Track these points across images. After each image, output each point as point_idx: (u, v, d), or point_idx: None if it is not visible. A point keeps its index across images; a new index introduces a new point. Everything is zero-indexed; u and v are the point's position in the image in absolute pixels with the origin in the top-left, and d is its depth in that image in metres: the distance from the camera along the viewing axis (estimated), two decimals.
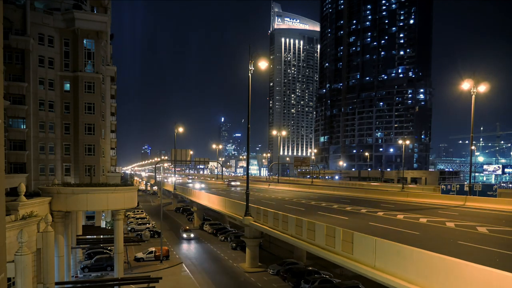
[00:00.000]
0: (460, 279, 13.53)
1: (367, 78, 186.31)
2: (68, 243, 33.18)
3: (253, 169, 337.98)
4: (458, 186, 49.64)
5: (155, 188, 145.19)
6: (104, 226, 53.86)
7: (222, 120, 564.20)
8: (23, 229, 19.75)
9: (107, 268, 37.60)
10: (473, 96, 41.87)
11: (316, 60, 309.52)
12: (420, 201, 45.70)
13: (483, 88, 41.55)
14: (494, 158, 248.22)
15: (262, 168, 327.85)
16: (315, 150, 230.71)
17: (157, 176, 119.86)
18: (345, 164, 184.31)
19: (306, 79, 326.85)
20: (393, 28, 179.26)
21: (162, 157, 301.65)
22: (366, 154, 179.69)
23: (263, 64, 33.67)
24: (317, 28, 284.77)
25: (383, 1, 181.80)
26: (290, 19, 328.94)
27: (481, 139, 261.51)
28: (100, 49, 46.99)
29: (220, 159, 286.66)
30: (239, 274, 39.49)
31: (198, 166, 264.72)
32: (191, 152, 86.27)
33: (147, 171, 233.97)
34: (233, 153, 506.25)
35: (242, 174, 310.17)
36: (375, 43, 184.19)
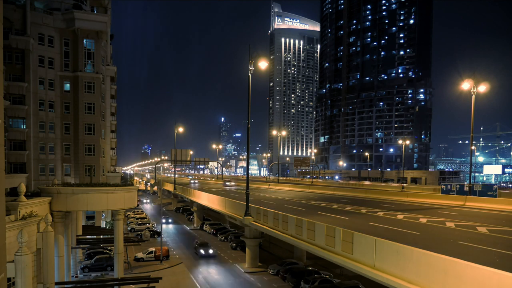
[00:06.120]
0: (460, 279, 13.53)
1: (367, 78, 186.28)
2: (68, 243, 33.20)
3: (253, 169, 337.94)
4: (458, 186, 49.57)
5: (155, 188, 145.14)
6: (104, 226, 53.88)
7: (222, 120, 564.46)
8: (23, 229, 19.75)
9: (107, 268, 37.59)
10: (473, 96, 41.87)
11: (316, 60, 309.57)
12: (420, 201, 45.69)
13: (483, 88, 41.54)
14: (494, 158, 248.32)
15: (262, 168, 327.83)
16: (315, 150, 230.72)
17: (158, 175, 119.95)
18: (345, 164, 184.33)
19: (306, 79, 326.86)
20: (393, 28, 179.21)
21: (162, 157, 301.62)
22: (366, 154, 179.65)
23: (263, 64, 33.65)
24: (317, 28, 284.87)
25: (383, 1, 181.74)
26: (290, 19, 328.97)
27: (481, 139, 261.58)
28: (100, 49, 46.98)
29: (220, 159, 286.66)
30: (239, 274, 39.49)
31: (198, 166, 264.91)
32: (191, 152, 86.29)
33: (147, 171, 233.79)
34: (233, 153, 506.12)
35: (242, 174, 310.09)
36: (375, 43, 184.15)
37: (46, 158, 43.79)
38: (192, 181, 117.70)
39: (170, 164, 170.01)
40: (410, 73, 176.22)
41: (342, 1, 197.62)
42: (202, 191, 62.19)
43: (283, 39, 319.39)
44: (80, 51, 45.21)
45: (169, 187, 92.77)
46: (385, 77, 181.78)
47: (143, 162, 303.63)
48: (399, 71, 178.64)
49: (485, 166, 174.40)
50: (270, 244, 51.20)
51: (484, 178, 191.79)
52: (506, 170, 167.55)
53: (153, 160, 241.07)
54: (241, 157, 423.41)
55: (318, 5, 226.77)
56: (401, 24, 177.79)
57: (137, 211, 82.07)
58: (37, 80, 42.88)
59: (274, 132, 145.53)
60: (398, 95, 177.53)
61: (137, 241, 47.26)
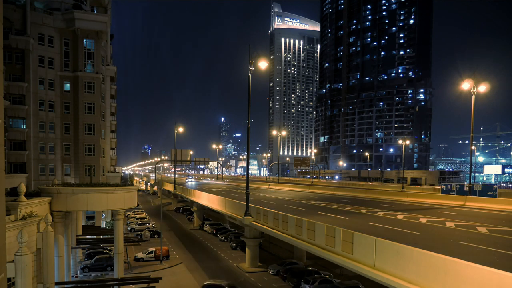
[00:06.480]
0: (460, 279, 13.53)
1: (367, 78, 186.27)
2: (68, 243, 33.21)
3: (253, 169, 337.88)
4: (458, 186, 49.61)
5: (155, 188, 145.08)
6: (104, 226, 53.87)
7: (222, 120, 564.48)
8: (23, 229, 19.76)
9: (107, 268, 37.60)
10: (473, 96, 41.88)
11: (316, 60, 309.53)
12: (420, 201, 45.69)
13: (483, 88, 41.56)
14: (494, 158, 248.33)
15: (262, 168, 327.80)
16: (315, 150, 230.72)
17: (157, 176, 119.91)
18: (345, 164, 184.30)
19: (306, 79, 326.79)
20: (393, 28, 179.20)
21: (162, 157, 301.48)
22: (366, 154, 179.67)
23: (263, 64, 33.66)
24: (317, 28, 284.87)
25: (383, 1, 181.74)
26: (290, 19, 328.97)
27: (481, 139, 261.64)
28: (100, 49, 46.99)
29: (220, 159, 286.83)
30: (239, 274, 39.48)
31: (198, 166, 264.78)
32: (191, 152, 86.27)
33: (147, 171, 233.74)
34: (233, 153, 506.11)
35: (242, 174, 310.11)
36: (375, 43, 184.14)
37: (46, 158, 43.80)
38: (188, 180, 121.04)
39: (170, 164, 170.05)
40: (410, 73, 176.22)
41: (342, 1, 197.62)
42: (202, 191, 62.18)
43: (283, 39, 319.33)
44: (80, 51, 45.22)
45: (169, 187, 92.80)
46: (385, 77, 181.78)
47: (143, 162, 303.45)
48: (399, 71, 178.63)
49: (485, 166, 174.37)
50: (270, 244, 51.20)
51: (484, 178, 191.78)
52: (506, 170, 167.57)
53: (153, 160, 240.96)
54: (241, 157, 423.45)
55: (318, 5, 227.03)
56: (401, 24, 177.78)
57: (137, 211, 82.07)
58: (37, 80, 42.89)
59: (274, 132, 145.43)
60: (398, 95, 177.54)
61: (137, 241, 47.26)
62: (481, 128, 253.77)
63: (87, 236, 42.81)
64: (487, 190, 45.91)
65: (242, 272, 39.86)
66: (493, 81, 44.89)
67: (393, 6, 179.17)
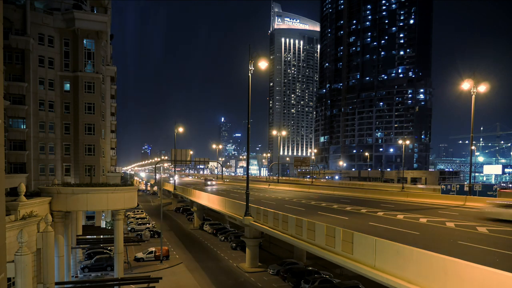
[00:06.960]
0: (460, 279, 13.53)
1: (367, 78, 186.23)
2: (68, 243, 33.22)
3: (253, 169, 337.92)
4: (458, 186, 49.57)
5: (155, 188, 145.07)
6: (104, 226, 53.89)
7: (222, 120, 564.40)
8: (23, 229, 19.76)
9: (107, 268, 37.63)
10: (473, 96, 41.89)
11: (316, 60, 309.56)
12: (420, 201, 45.69)
13: (483, 88, 41.57)
14: (494, 158, 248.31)
15: (262, 168, 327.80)
16: (315, 150, 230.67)
17: (157, 176, 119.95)
18: (345, 164, 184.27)
19: (306, 79, 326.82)
20: (393, 28, 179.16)
21: (162, 157, 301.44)
22: (366, 154, 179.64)
23: (263, 64, 33.67)
24: (317, 28, 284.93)
25: (383, 1, 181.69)
26: (290, 19, 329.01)
27: (481, 139, 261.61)
28: (100, 49, 46.98)
29: (220, 159, 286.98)
30: (239, 274, 39.49)
31: (198, 166, 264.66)
32: (191, 152, 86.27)
33: (147, 171, 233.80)
34: (233, 153, 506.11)
35: (242, 174, 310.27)
36: (375, 43, 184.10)
37: (46, 158, 43.79)
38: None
39: (170, 164, 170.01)
40: (410, 73, 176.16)
41: (342, 1, 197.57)
42: (201, 191, 62.19)
43: (283, 39, 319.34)
44: (80, 51, 45.22)
45: (169, 187, 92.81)
46: (385, 77, 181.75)
47: (143, 162, 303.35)
48: (399, 71, 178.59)
49: (485, 166, 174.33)
50: (270, 244, 51.20)
51: (484, 178, 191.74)
52: (506, 170, 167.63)
53: (153, 160, 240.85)
54: (241, 157, 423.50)
55: (318, 5, 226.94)
56: (401, 24, 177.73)
57: (137, 211, 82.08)
58: (37, 80, 42.88)
59: (274, 132, 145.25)
60: (398, 95, 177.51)
61: (137, 241, 47.28)
62: (481, 128, 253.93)
63: (87, 236, 42.82)
64: (487, 190, 45.85)
65: (242, 272, 39.86)
66: (493, 81, 44.94)
67: (393, 6, 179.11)
